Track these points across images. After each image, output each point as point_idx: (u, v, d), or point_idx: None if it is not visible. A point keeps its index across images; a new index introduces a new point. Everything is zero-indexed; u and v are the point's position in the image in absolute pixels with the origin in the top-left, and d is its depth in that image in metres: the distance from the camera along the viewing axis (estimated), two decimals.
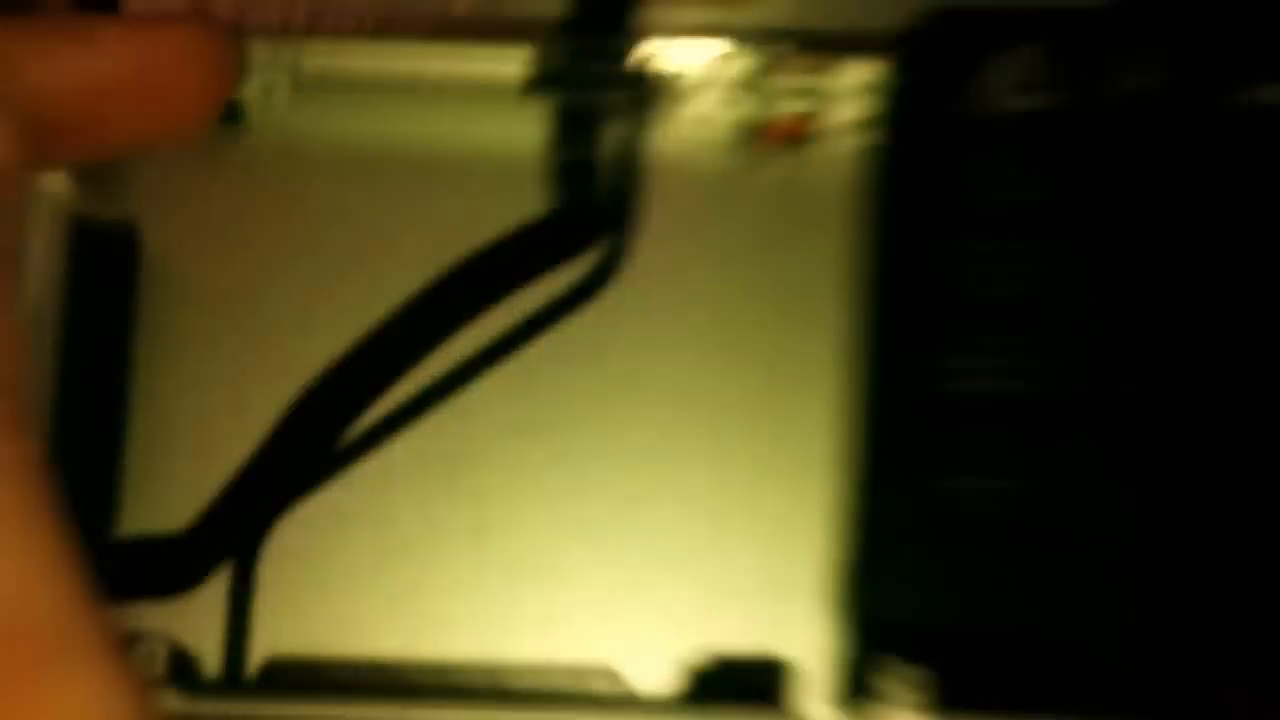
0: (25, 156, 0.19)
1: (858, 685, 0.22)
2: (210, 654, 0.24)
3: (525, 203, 0.24)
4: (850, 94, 0.23)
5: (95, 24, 0.21)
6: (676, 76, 0.24)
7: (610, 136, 0.24)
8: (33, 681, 0.17)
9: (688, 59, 0.24)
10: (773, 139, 0.24)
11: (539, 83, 0.24)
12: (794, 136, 0.24)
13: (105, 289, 0.25)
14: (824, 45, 0.23)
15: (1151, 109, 0.22)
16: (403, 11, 0.24)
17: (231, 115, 0.25)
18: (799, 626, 0.23)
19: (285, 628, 0.24)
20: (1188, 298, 0.22)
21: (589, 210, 0.24)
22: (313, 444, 0.24)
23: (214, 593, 0.24)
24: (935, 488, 0.22)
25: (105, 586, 0.20)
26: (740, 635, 0.23)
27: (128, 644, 0.22)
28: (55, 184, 0.24)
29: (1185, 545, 0.21)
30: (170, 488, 0.24)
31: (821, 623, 0.23)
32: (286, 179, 0.25)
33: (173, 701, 0.23)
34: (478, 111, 0.25)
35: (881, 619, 0.22)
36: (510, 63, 0.24)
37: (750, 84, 0.24)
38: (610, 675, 0.23)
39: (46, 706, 0.16)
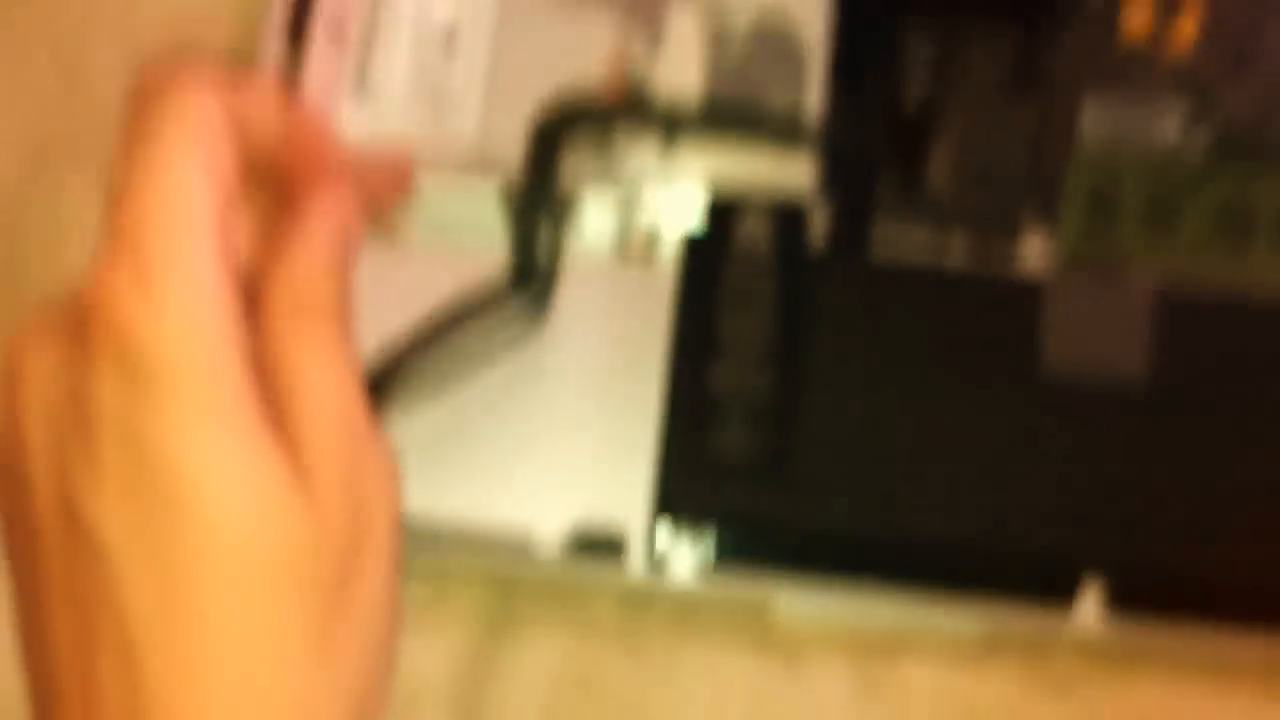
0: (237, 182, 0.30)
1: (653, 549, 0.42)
2: None
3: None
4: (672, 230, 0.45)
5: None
6: (580, 207, 0.45)
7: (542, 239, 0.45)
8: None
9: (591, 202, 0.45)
10: (634, 252, 0.45)
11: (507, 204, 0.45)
12: (644, 251, 0.45)
13: None
14: (661, 201, 0.45)
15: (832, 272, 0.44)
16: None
17: None
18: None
19: None
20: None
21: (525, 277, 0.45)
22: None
23: None
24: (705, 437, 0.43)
25: None
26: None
27: None
28: None
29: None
30: None
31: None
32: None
33: None
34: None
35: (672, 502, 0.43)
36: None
37: (620, 227, 0.45)
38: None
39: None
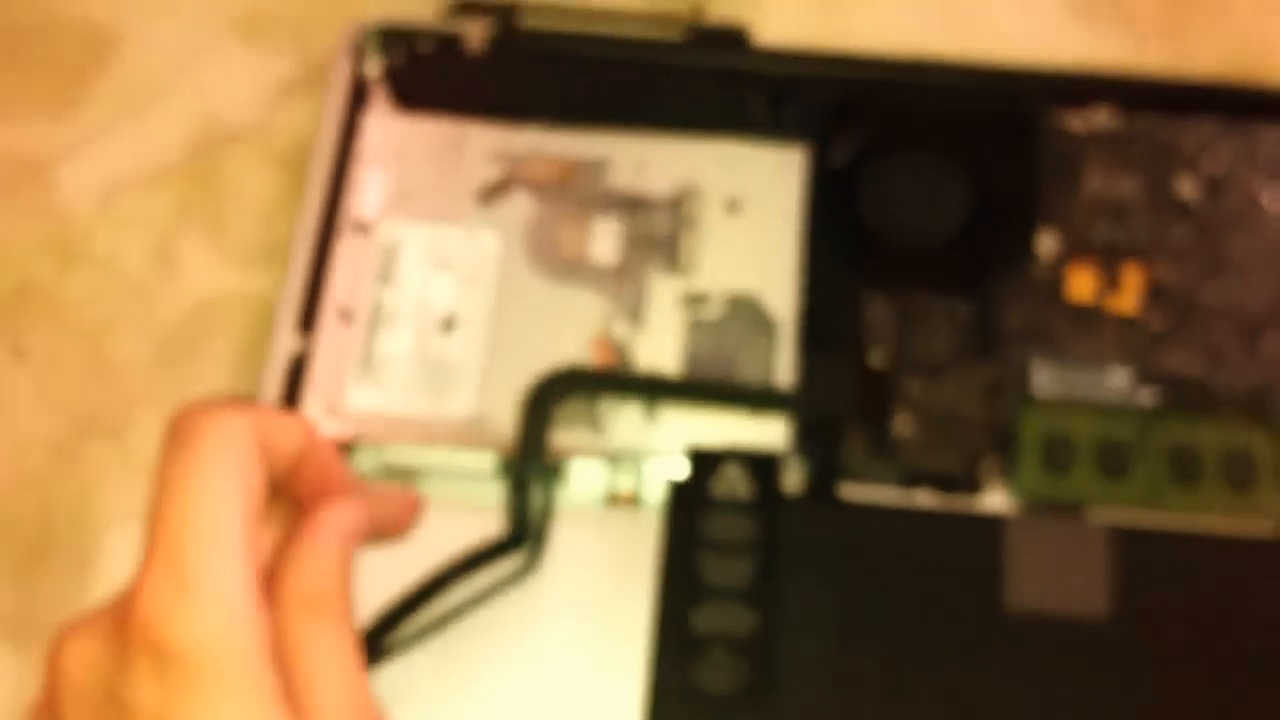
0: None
1: None
2: None
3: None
4: (656, 482, 0.49)
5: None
6: (570, 468, 0.49)
7: (535, 500, 0.48)
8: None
9: (580, 463, 0.49)
10: (621, 502, 0.49)
11: (502, 473, 0.48)
12: (631, 500, 0.49)
13: None
14: (644, 458, 0.48)
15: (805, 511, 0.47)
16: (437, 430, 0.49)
17: None
18: None
19: None
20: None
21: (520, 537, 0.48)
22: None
23: None
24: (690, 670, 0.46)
25: None
26: None
27: None
28: None
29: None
30: None
31: None
32: None
33: None
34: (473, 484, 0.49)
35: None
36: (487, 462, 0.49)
37: (607, 481, 0.49)
38: None
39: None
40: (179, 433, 0.32)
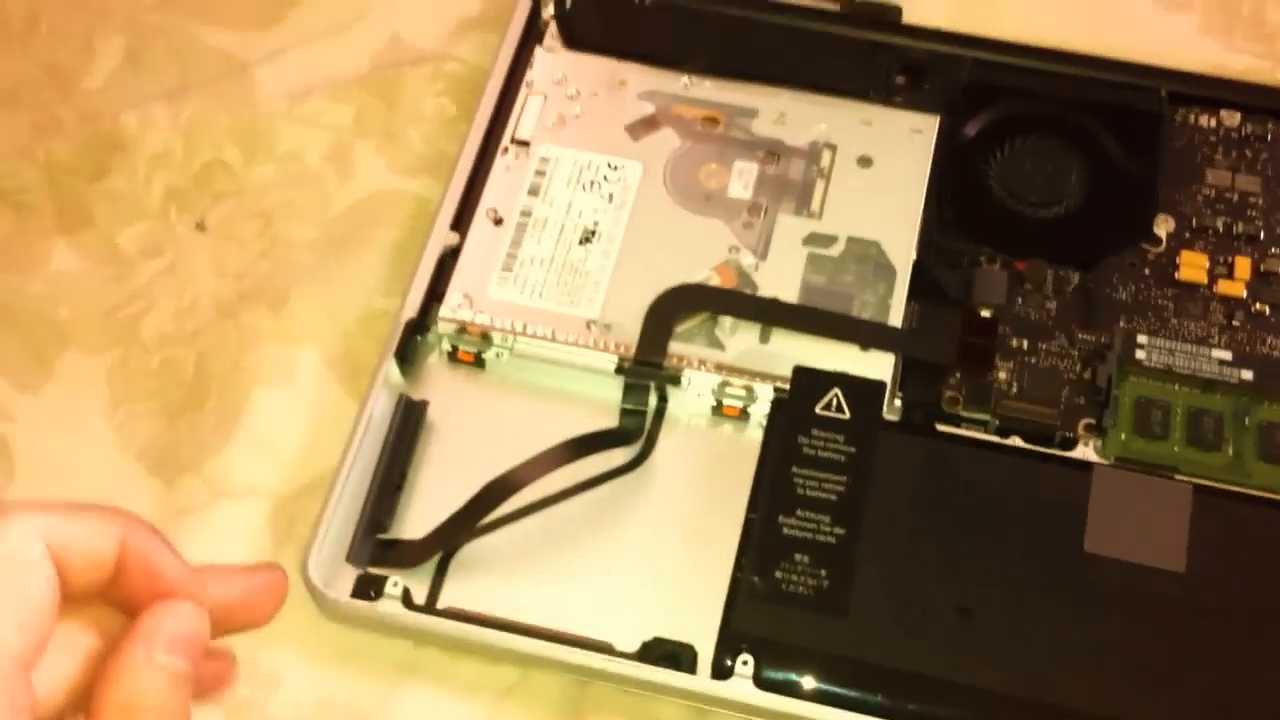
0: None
1: None
2: (421, 595, 0.49)
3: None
4: (763, 400, 0.52)
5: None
6: (685, 380, 0.52)
7: (648, 402, 0.52)
8: None
9: (693, 380, 0.52)
10: (727, 412, 0.52)
11: (620, 371, 0.52)
12: (737, 415, 0.52)
13: (408, 429, 0.51)
14: (755, 376, 0.51)
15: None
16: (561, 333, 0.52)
17: (480, 364, 0.53)
18: None
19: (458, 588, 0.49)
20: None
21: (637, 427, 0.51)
22: (481, 511, 0.50)
23: (428, 567, 0.49)
24: (775, 572, 0.48)
25: (379, 560, 0.45)
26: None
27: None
28: (394, 376, 0.52)
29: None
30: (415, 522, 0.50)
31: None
32: (496, 395, 0.53)
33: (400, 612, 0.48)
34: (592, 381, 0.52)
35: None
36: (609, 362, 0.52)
37: (717, 392, 0.52)
38: None
39: None
40: None
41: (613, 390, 0.52)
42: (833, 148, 0.56)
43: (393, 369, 0.52)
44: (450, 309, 0.52)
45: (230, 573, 0.34)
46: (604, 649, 0.47)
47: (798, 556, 0.48)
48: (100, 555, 0.30)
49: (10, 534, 0.29)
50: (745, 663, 0.46)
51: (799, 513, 0.48)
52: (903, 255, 0.53)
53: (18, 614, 0.28)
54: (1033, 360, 0.52)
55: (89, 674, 0.30)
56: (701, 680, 0.47)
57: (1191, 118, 0.57)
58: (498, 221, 0.54)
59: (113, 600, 0.32)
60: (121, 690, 0.30)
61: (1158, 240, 0.54)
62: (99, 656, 0.31)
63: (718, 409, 0.52)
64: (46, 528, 0.29)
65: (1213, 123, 0.57)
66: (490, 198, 0.55)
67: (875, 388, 0.50)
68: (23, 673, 0.28)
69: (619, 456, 0.51)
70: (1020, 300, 0.53)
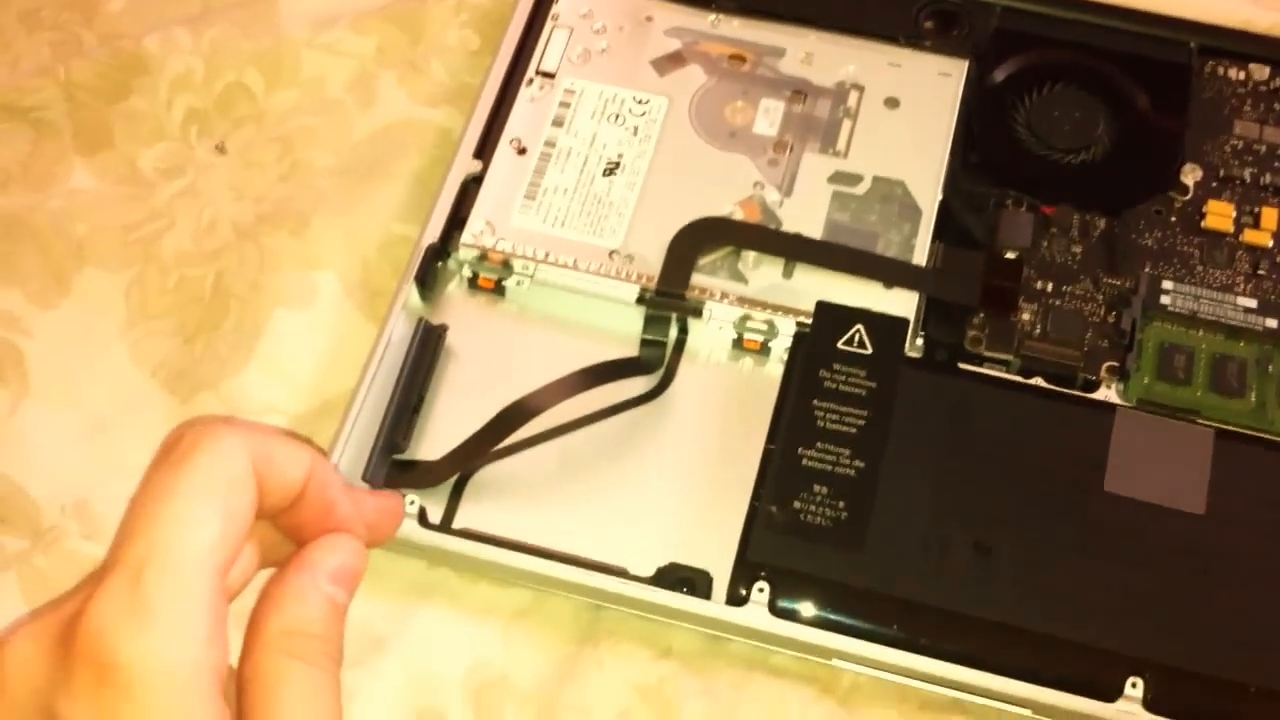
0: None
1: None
2: (436, 515, 0.49)
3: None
4: (785, 334, 0.51)
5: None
6: (706, 312, 0.52)
7: (669, 332, 0.51)
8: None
9: (714, 313, 0.52)
10: (748, 346, 0.52)
11: (641, 301, 0.52)
12: (758, 349, 0.51)
13: (427, 353, 0.51)
14: (777, 310, 0.51)
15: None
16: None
17: (500, 291, 0.52)
18: None
19: (474, 510, 0.49)
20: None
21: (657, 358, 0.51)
22: (499, 434, 0.49)
23: (444, 489, 0.49)
24: (792, 502, 0.48)
25: (395, 480, 0.45)
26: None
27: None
28: (414, 301, 0.51)
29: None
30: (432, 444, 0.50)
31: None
32: (515, 323, 0.52)
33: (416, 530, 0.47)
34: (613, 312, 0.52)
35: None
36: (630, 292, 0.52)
37: (738, 326, 0.52)
38: None
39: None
40: (172, 445, 0.30)
41: (633, 322, 0.52)
42: (860, 88, 0.56)
43: (412, 293, 0.51)
44: (472, 235, 0.52)
45: (364, 496, 0.35)
46: (619, 573, 0.47)
47: (816, 488, 0.47)
48: (292, 479, 0.32)
49: (223, 447, 0.30)
50: (760, 590, 0.46)
51: (819, 445, 0.48)
52: (928, 196, 0.53)
53: (225, 525, 0.29)
54: (1057, 303, 0.52)
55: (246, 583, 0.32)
56: (716, 606, 0.46)
57: (1220, 70, 0.56)
58: (521, 151, 0.54)
59: (283, 525, 0.33)
60: (287, 614, 0.31)
61: (1185, 189, 0.54)
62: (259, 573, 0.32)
63: (738, 342, 0.52)
64: (253, 446, 0.30)
65: (1241, 75, 0.56)
66: (514, 128, 0.54)
67: (898, 324, 0.50)
68: (222, 579, 0.29)
69: (638, 387, 0.50)
70: (1045, 244, 0.53)
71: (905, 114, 0.55)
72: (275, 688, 0.30)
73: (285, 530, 0.33)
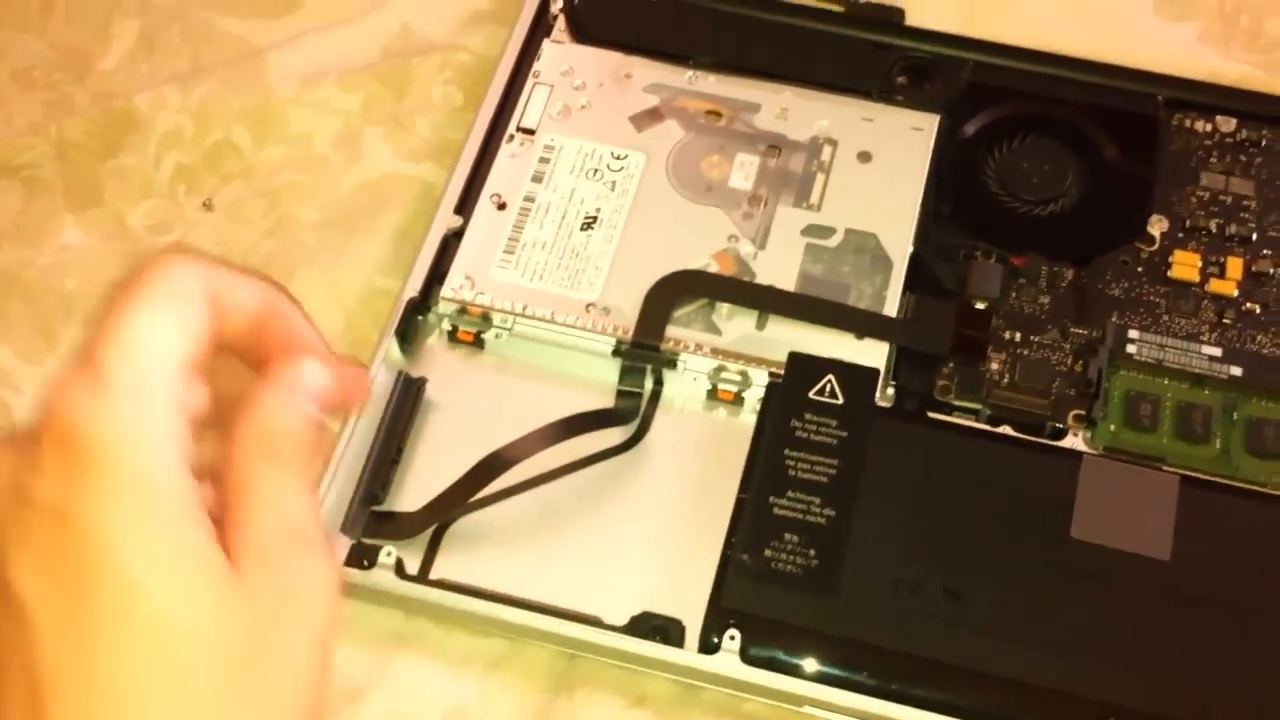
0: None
1: None
2: (414, 566, 0.49)
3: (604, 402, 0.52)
4: (758, 385, 0.52)
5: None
6: (681, 364, 0.53)
7: (644, 383, 0.52)
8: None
9: (689, 364, 0.53)
10: (722, 396, 0.53)
11: (617, 353, 0.53)
12: (731, 399, 0.53)
13: (406, 405, 0.52)
14: (751, 361, 0.52)
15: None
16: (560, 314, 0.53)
17: (479, 344, 0.54)
18: None
19: (451, 560, 0.50)
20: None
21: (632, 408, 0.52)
22: (476, 485, 0.50)
23: (421, 539, 0.50)
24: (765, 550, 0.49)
25: (374, 531, 0.46)
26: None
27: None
28: (394, 354, 0.52)
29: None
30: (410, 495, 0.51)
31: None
32: (494, 375, 0.54)
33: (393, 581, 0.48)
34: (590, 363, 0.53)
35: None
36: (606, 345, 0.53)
37: (713, 376, 0.53)
38: None
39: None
40: (131, 273, 0.31)
41: (609, 373, 0.53)
42: (833, 143, 0.57)
43: (393, 346, 0.52)
44: (452, 289, 0.53)
45: (331, 358, 0.35)
46: (593, 622, 0.48)
47: (788, 536, 0.48)
48: (248, 306, 0.32)
49: (177, 268, 0.31)
50: (732, 638, 0.47)
51: (790, 493, 0.49)
52: (900, 248, 0.54)
53: (180, 327, 0.30)
54: (1025, 352, 0.53)
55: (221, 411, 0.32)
56: (689, 654, 0.47)
57: (1188, 122, 0.57)
58: (501, 206, 0.55)
59: (250, 358, 0.33)
60: (262, 421, 0.31)
61: (1151, 239, 0.55)
62: (232, 402, 0.32)
63: (712, 393, 0.53)
64: (205, 271, 0.31)
65: (1208, 128, 0.57)
66: (494, 183, 0.56)
67: (869, 374, 0.51)
68: (180, 375, 0.30)
69: (614, 437, 0.51)
70: (1015, 294, 0.54)
71: (878, 167, 0.56)
72: (252, 484, 0.31)
73: (254, 365, 0.33)
